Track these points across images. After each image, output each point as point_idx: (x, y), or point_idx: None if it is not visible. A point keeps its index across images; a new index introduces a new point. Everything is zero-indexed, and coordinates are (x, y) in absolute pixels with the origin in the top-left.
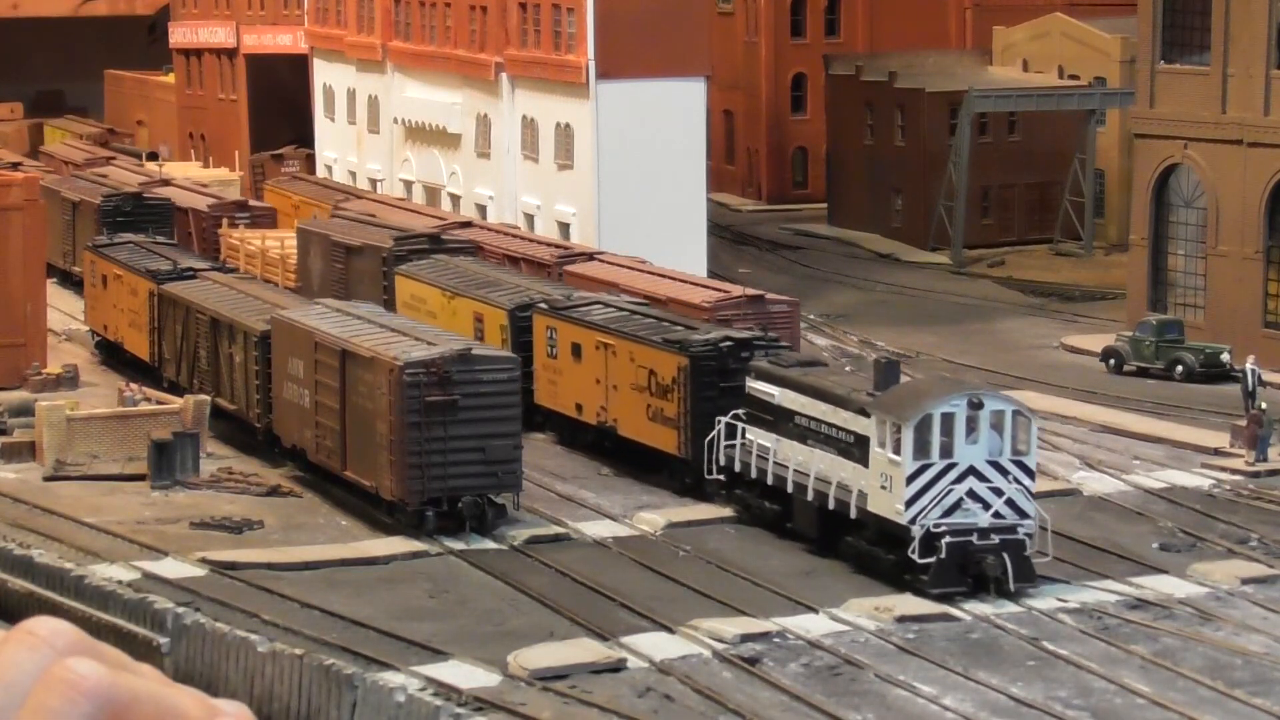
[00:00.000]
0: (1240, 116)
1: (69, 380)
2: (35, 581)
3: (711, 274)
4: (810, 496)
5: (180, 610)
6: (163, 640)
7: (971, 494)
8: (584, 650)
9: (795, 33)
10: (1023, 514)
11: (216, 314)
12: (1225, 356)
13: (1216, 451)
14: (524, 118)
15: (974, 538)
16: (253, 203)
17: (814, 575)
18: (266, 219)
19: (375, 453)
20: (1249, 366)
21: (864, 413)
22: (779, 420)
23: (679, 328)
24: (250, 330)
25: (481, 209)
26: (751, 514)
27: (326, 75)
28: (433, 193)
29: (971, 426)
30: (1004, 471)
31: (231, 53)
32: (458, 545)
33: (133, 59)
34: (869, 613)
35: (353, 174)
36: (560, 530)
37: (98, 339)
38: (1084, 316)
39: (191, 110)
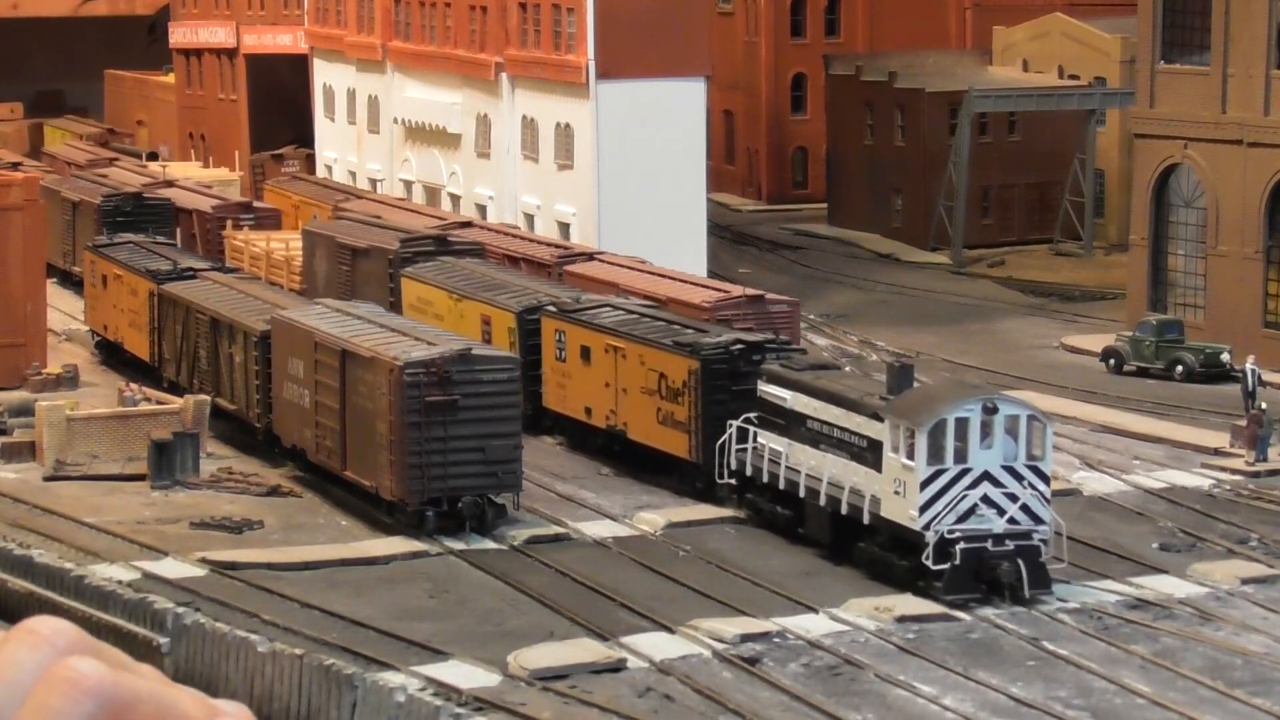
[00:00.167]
0: (1240, 116)
1: (69, 380)
2: (35, 581)
3: (711, 274)
4: (822, 502)
5: (180, 610)
6: (163, 640)
7: (986, 500)
8: (584, 650)
9: (795, 33)
10: (1038, 520)
11: (216, 314)
12: (1225, 356)
13: (1216, 451)
14: (524, 118)
15: (988, 544)
16: (257, 204)
17: (814, 575)
18: (271, 221)
19: (375, 453)
20: (1249, 366)
21: (877, 417)
22: (791, 424)
23: (689, 330)
24: (250, 330)
25: (481, 209)
26: (763, 519)
27: (326, 75)
28: (433, 193)
29: (986, 431)
30: (1019, 477)
31: (231, 53)
32: (458, 545)
33: (133, 59)
34: (869, 613)
35: (353, 174)
36: (560, 530)
37: (98, 339)
38: (1084, 316)
39: (191, 110)
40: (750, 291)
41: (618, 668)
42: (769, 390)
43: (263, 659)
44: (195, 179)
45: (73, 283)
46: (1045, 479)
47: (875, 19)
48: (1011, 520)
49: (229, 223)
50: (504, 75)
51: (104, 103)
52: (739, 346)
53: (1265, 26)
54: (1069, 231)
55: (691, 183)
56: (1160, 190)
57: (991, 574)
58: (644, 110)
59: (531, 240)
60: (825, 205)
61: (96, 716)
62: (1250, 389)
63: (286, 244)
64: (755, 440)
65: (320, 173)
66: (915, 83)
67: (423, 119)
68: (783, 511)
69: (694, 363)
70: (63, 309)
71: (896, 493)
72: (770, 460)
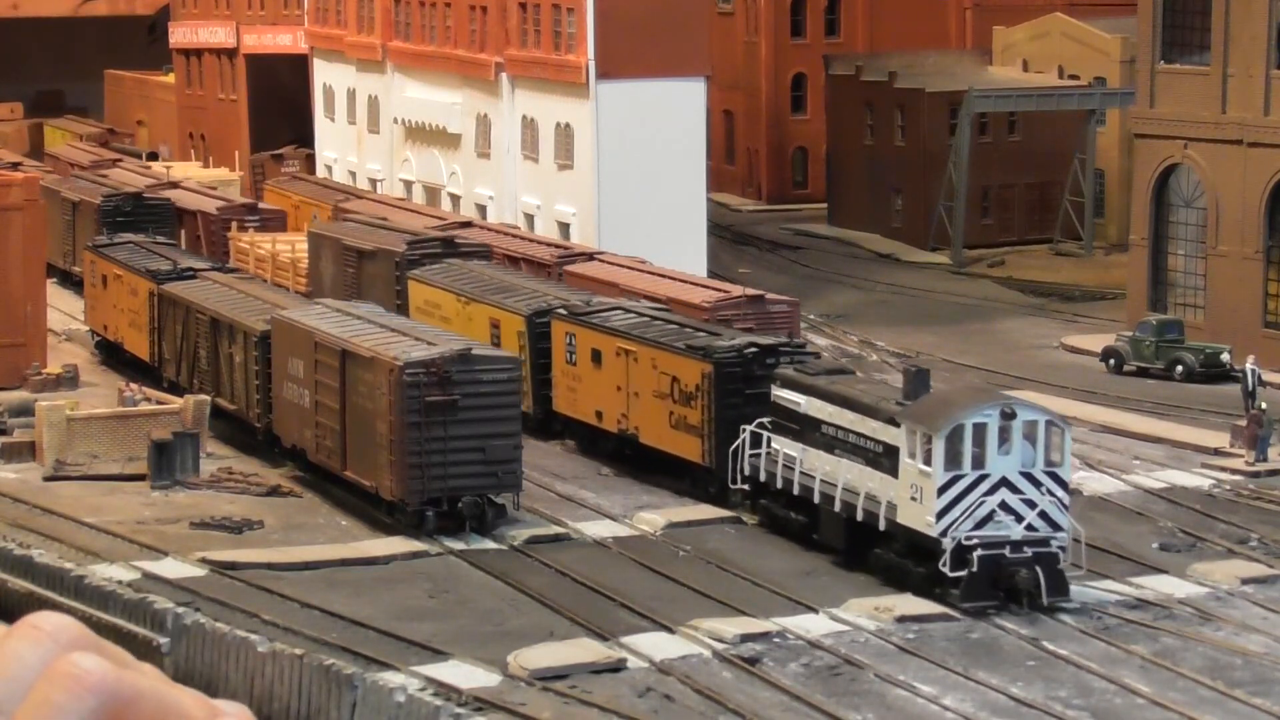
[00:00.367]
0: (1240, 116)
1: (69, 380)
2: (35, 581)
3: (711, 274)
4: (837, 507)
5: (180, 610)
6: (163, 640)
7: (1004, 506)
8: (584, 650)
9: (795, 33)
10: (1056, 526)
11: (216, 314)
12: (1225, 356)
13: (1216, 451)
14: (524, 118)
15: (1006, 550)
16: (262, 206)
17: (814, 575)
18: (276, 222)
19: (375, 453)
20: (1249, 366)
21: (893, 422)
22: (805, 429)
23: (702, 334)
24: (250, 330)
25: (481, 209)
26: (777, 524)
27: (326, 75)
28: (433, 193)
29: (1004, 437)
30: (1037, 483)
31: (231, 53)
32: (458, 545)
33: (133, 59)
34: (869, 613)
35: (353, 174)
36: (560, 530)
37: (98, 339)
38: (1084, 316)
39: (191, 110)
40: (750, 291)
41: (618, 668)
42: (783, 395)
43: (263, 659)
44: (195, 179)
45: (73, 283)
46: (1064, 485)
47: (875, 19)
48: (1030, 527)
49: (234, 224)
50: (504, 75)
51: (104, 103)
52: (753, 350)
53: (1265, 26)
54: (1069, 231)
55: (691, 183)
56: (1160, 190)
57: (1009, 581)
58: (644, 110)
59: (531, 240)
60: (825, 205)
61: (98, 712)
62: (1250, 389)
63: (292, 246)
64: (769, 445)
65: (320, 173)
66: (915, 83)
67: (423, 119)
68: (797, 517)
69: (707, 366)
70: (63, 309)
71: (913, 499)
72: (784, 465)
